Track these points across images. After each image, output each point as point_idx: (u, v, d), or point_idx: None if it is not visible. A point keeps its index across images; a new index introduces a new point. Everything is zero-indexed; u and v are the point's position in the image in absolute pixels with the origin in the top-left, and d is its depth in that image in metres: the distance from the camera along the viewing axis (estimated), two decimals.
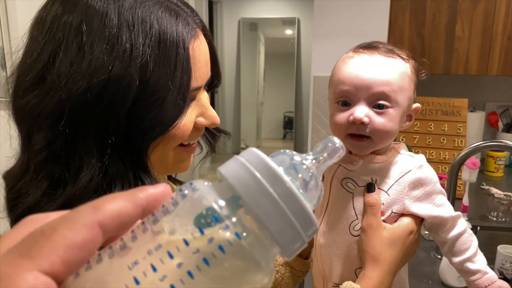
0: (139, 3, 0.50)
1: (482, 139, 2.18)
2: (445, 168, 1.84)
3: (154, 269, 0.22)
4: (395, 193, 0.69)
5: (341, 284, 0.66)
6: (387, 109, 0.67)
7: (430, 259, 1.34)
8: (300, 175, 0.26)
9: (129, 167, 0.52)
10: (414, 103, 0.74)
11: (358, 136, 0.68)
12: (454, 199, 1.20)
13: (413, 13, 1.97)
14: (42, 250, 0.20)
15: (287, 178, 0.24)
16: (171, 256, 0.22)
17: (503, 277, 1.21)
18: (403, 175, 0.70)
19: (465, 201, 1.50)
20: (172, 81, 0.51)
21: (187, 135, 0.57)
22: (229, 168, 0.25)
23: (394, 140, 0.75)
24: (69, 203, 0.48)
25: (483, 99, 2.38)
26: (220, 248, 0.22)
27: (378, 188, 0.70)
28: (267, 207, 0.23)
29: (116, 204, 0.23)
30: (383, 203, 0.69)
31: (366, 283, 0.66)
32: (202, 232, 0.23)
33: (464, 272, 0.74)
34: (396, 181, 0.70)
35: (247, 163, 0.24)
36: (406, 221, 0.70)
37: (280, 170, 0.24)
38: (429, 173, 0.71)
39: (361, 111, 0.67)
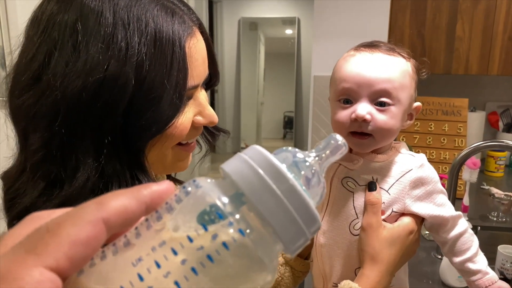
0: (135, 2, 0.50)
1: (483, 139, 2.18)
2: (445, 168, 1.84)
3: (158, 265, 0.22)
4: (396, 192, 0.69)
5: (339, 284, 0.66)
6: (389, 106, 0.67)
7: (430, 259, 1.34)
8: (303, 172, 0.26)
9: (126, 166, 0.52)
10: (415, 102, 0.74)
11: (360, 134, 0.68)
12: (454, 199, 1.20)
13: (414, 13, 1.97)
14: (48, 247, 0.20)
15: (290, 175, 0.24)
16: (175, 253, 0.22)
17: (503, 277, 1.21)
18: (404, 174, 0.70)
19: (466, 201, 1.50)
20: (168, 79, 0.51)
21: (184, 134, 0.56)
22: (232, 165, 0.25)
23: (395, 140, 0.75)
24: (66, 203, 0.48)
25: (484, 99, 2.38)
26: (224, 245, 0.22)
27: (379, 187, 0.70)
28: (270, 204, 0.24)
29: (120, 201, 0.23)
30: (383, 202, 0.69)
31: (364, 282, 0.66)
32: (206, 229, 0.23)
33: (464, 272, 0.74)
34: (397, 180, 0.70)
35: (250, 160, 0.25)
36: (406, 220, 0.70)
37: (283, 167, 0.24)
38: (430, 173, 0.71)
39: (363, 109, 0.67)
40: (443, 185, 0.76)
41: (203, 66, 0.58)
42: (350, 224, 0.71)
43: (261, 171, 0.24)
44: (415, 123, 1.88)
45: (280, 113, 6.63)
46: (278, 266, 0.81)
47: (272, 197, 0.24)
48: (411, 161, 0.71)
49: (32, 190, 0.49)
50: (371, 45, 0.71)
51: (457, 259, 0.73)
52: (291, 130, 6.45)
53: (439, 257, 1.32)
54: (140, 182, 0.52)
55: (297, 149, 0.27)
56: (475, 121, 2.12)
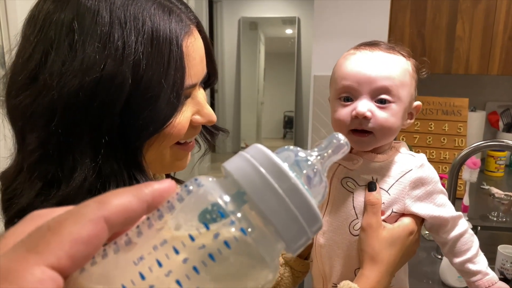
0: (131, 0, 0.50)
1: (483, 138, 2.18)
2: (445, 168, 1.84)
3: (160, 264, 0.22)
4: (396, 192, 0.69)
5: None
6: (390, 104, 0.67)
7: (430, 259, 1.34)
8: (304, 171, 0.26)
9: (123, 166, 0.51)
10: (415, 101, 0.74)
11: (360, 132, 0.68)
12: (454, 199, 1.20)
13: (414, 13, 1.97)
14: (49, 245, 0.20)
15: (292, 174, 0.24)
16: (176, 252, 0.22)
17: (503, 277, 1.21)
18: (404, 174, 0.69)
19: (466, 201, 1.50)
20: (165, 78, 0.50)
21: (182, 133, 0.56)
22: (234, 164, 0.25)
23: (395, 139, 0.75)
24: (63, 204, 0.47)
25: (484, 99, 2.38)
26: (226, 243, 0.22)
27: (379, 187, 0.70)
28: (272, 202, 0.24)
29: (121, 199, 0.23)
30: (383, 203, 0.69)
31: (364, 282, 0.66)
32: (207, 228, 0.23)
33: (464, 272, 0.74)
34: (396, 180, 0.69)
35: (252, 159, 0.24)
36: (406, 221, 0.70)
37: (285, 166, 0.24)
38: (430, 173, 0.70)
39: (364, 106, 0.67)
40: (443, 185, 0.76)
41: (201, 64, 0.57)
42: (349, 224, 0.70)
43: (263, 170, 0.24)
44: (415, 123, 1.88)
45: (280, 113, 6.63)
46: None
47: (274, 196, 0.24)
48: (411, 161, 0.71)
49: (29, 190, 0.49)
50: (371, 44, 0.71)
51: (457, 260, 0.73)
52: (291, 130, 6.45)
53: (439, 257, 1.32)
54: (137, 182, 0.52)
55: (299, 148, 0.27)
56: (475, 121, 2.12)
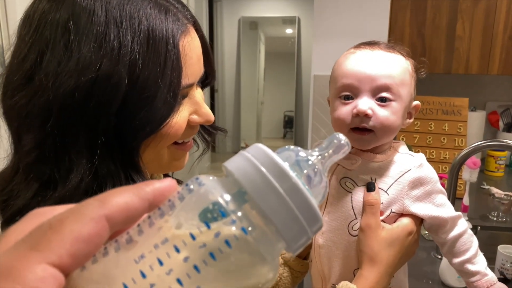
0: (127, 0, 0.49)
1: (483, 138, 2.18)
2: (445, 167, 1.84)
3: (161, 263, 0.22)
4: (395, 192, 0.69)
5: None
6: (390, 102, 0.68)
7: (430, 259, 1.34)
8: (305, 171, 0.26)
9: (120, 167, 0.51)
10: (414, 101, 0.74)
11: (360, 130, 0.68)
12: (454, 199, 1.20)
13: (414, 13, 1.98)
14: (50, 243, 0.20)
15: (293, 174, 0.24)
16: (177, 250, 0.22)
17: (503, 277, 1.21)
18: (403, 174, 0.69)
19: (466, 201, 1.50)
20: (162, 78, 0.50)
21: (180, 133, 0.56)
22: (235, 163, 0.25)
23: (394, 139, 0.75)
24: (60, 204, 0.48)
25: (484, 99, 2.38)
26: (227, 242, 0.22)
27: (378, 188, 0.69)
28: (272, 202, 0.24)
29: (122, 198, 0.23)
30: (382, 203, 0.68)
31: (363, 283, 0.65)
32: (208, 227, 0.23)
33: (463, 273, 0.73)
34: (395, 181, 0.69)
35: (253, 158, 0.25)
36: (405, 221, 0.70)
37: (286, 166, 0.24)
38: (429, 172, 0.70)
39: (365, 103, 0.67)
40: (442, 185, 0.76)
41: (198, 64, 0.57)
42: (348, 224, 0.70)
43: (263, 170, 0.24)
44: (415, 123, 1.88)
45: (280, 113, 6.63)
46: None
47: (274, 196, 0.24)
48: (410, 161, 0.71)
49: (25, 191, 0.49)
50: (371, 43, 0.71)
51: (456, 260, 0.73)
52: (291, 130, 6.45)
53: (439, 257, 1.32)
54: (134, 183, 0.52)
55: (299, 148, 0.27)
56: (475, 120, 2.12)
